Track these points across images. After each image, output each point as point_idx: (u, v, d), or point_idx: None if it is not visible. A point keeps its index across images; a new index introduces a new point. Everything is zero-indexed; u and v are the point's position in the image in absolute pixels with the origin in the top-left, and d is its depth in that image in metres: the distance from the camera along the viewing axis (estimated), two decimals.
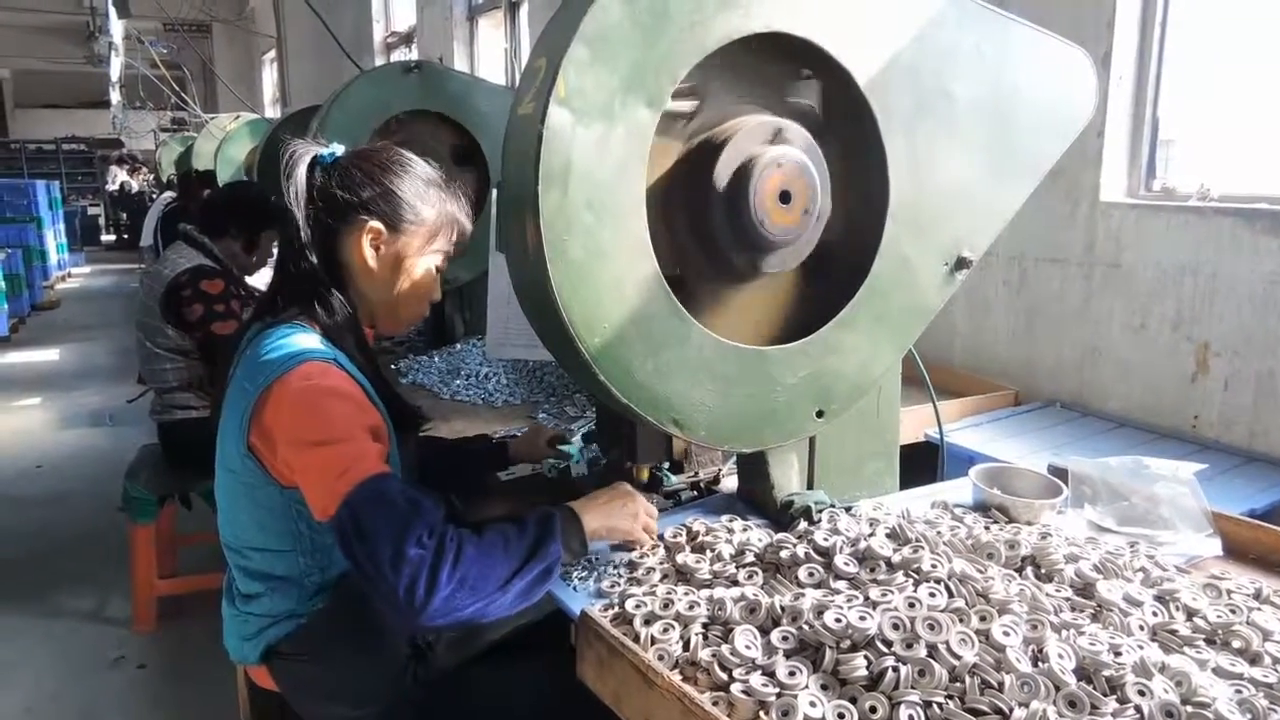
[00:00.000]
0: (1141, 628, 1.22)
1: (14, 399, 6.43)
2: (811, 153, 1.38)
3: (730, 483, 1.83)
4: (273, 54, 12.17)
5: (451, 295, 3.39)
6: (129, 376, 3.41)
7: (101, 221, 17.79)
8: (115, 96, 13.89)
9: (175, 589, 3.26)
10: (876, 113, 1.42)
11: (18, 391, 6.62)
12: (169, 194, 8.79)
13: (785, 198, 1.33)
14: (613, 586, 1.40)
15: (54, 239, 11.54)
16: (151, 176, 14.48)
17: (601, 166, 1.21)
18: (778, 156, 1.33)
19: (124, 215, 16.30)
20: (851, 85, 1.40)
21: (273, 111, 12.03)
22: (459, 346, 3.13)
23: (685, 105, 1.36)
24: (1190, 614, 1.26)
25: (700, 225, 1.38)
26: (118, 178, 16.56)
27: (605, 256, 1.24)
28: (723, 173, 1.33)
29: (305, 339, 1.39)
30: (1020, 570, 1.37)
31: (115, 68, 11.80)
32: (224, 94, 13.86)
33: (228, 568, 1.51)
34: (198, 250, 3.03)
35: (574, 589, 1.42)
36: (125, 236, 15.76)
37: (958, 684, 1.07)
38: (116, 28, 10.25)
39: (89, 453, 5.15)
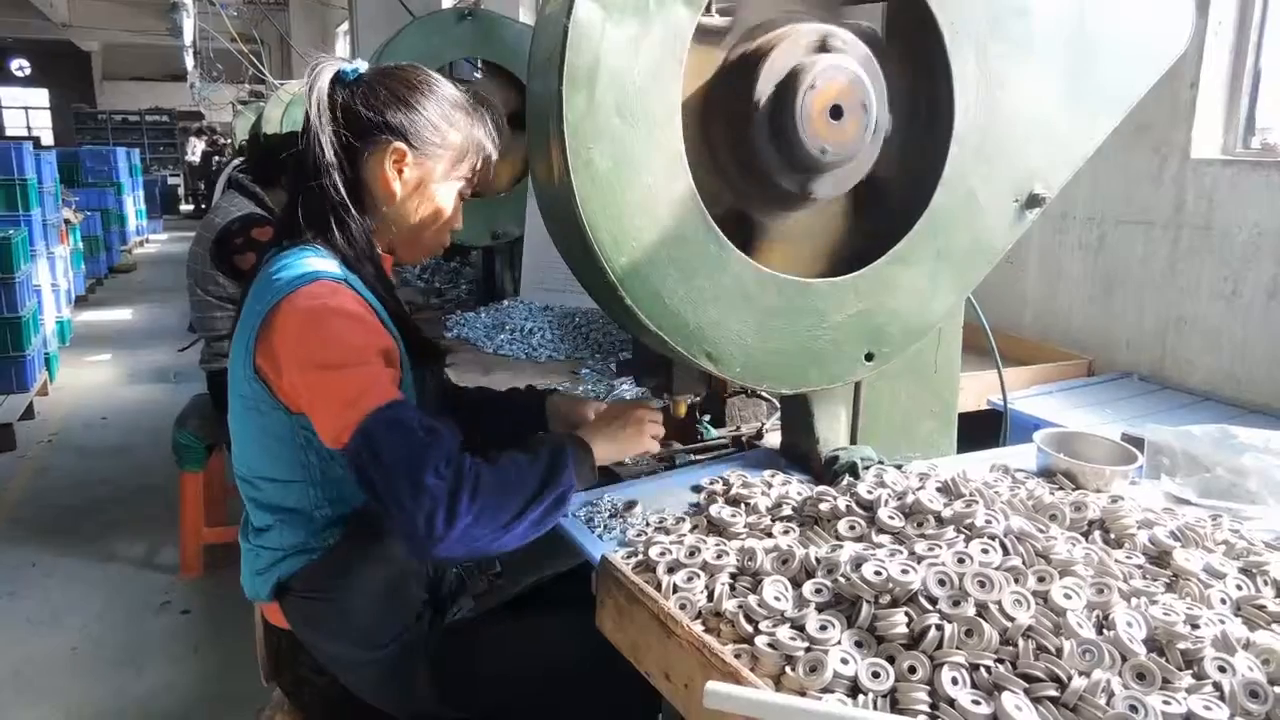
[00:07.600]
0: (1224, 601, 1.09)
1: (86, 354, 6.64)
2: (868, 65, 1.26)
3: (773, 439, 1.72)
4: (345, 26, 12.27)
5: (501, 253, 3.33)
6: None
7: (181, 191, 18.26)
8: (190, 62, 14.07)
9: (221, 537, 3.27)
10: (942, 26, 1.29)
11: (90, 348, 6.83)
12: (237, 159, 8.93)
13: (837, 113, 1.21)
14: (639, 535, 1.31)
15: (133, 205, 11.85)
16: (227, 148, 14.77)
17: (633, 69, 1.11)
18: (829, 66, 1.21)
19: (201, 185, 16.70)
20: None
21: None
22: (506, 304, 3.07)
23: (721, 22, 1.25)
24: None
25: (742, 143, 1.26)
26: (196, 149, 16.95)
27: (635, 168, 1.13)
28: (767, 83, 1.21)
29: (319, 261, 1.33)
30: (1086, 535, 1.24)
31: (187, 30, 11.92)
32: (299, 66, 14.07)
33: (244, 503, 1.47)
34: (249, 199, 3.01)
35: (600, 537, 1.34)
36: (203, 206, 16.14)
37: (1009, 648, 0.96)
38: None
39: (152, 407, 5.26)
